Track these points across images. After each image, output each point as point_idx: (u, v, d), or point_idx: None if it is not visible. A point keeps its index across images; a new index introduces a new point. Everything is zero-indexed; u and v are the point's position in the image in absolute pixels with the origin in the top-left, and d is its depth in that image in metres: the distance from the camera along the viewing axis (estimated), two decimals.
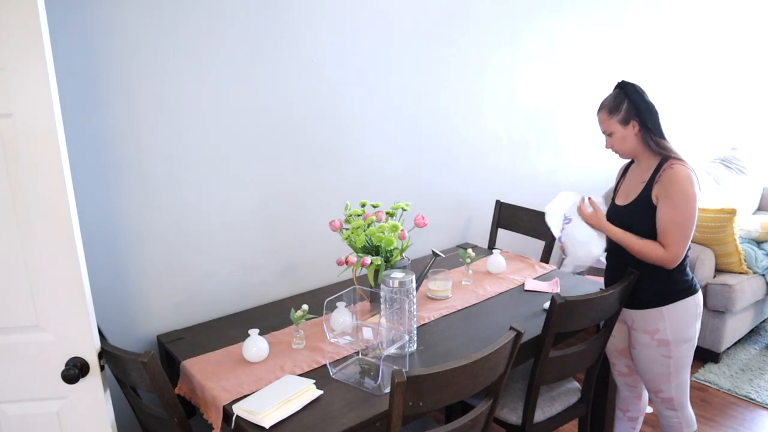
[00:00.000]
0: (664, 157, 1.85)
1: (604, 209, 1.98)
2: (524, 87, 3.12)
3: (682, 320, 1.89)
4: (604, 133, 1.93)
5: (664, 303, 1.89)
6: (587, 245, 1.96)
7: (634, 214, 1.89)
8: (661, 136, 1.88)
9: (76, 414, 1.47)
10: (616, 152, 1.94)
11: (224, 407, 1.55)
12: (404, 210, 2.13)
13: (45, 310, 1.39)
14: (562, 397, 2.09)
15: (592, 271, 3.39)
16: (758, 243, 3.36)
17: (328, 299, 1.95)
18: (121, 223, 1.90)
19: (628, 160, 2.07)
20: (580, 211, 1.96)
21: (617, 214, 1.96)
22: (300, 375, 1.69)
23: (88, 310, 1.41)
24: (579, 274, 2.76)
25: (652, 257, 1.83)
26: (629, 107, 1.85)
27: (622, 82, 1.89)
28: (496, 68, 2.96)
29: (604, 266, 3.22)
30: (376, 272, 1.99)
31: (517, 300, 2.22)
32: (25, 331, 1.40)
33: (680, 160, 1.84)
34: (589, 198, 1.99)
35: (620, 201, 1.99)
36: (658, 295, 1.89)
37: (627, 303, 1.96)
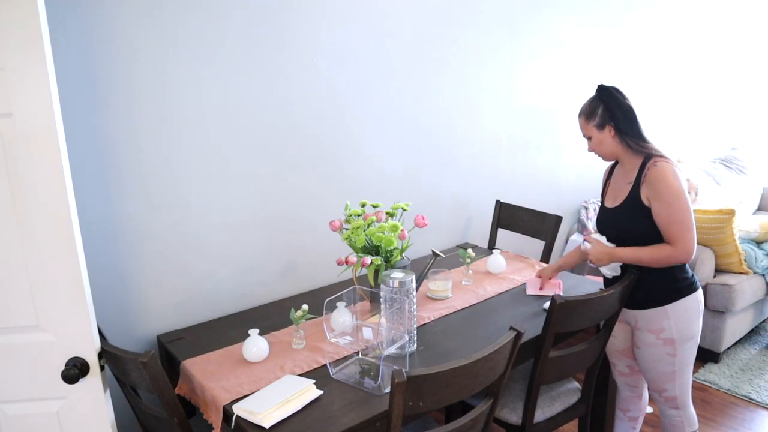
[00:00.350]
0: (647, 155, 1.87)
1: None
2: (524, 87, 3.13)
3: (686, 318, 1.90)
4: (584, 136, 1.97)
5: (667, 302, 1.89)
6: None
7: (624, 215, 1.91)
8: (638, 137, 1.89)
9: (76, 414, 1.47)
10: (598, 155, 1.98)
11: (224, 407, 1.55)
12: (404, 210, 2.13)
13: (45, 310, 1.39)
14: (562, 397, 2.09)
15: (592, 271, 3.39)
16: (758, 243, 3.36)
17: (328, 299, 1.95)
18: (121, 223, 1.90)
19: (611, 162, 2.09)
20: (589, 255, 1.97)
21: (607, 217, 1.99)
22: (300, 375, 1.69)
23: (88, 310, 1.41)
24: (579, 273, 2.75)
25: (665, 260, 1.84)
26: (603, 112, 1.89)
27: (599, 86, 1.92)
28: (496, 68, 2.96)
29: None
30: (376, 272, 1.99)
31: (517, 300, 2.22)
32: (25, 331, 1.40)
33: (662, 157, 1.85)
34: (585, 238, 2.04)
35: (609, 203, 2.00)
36: (661, 294, 1.90)
37: (630, 303, 1.95)
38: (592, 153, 1.98)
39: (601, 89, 1.91)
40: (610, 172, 2.08)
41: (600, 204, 2.08)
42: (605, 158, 1.97)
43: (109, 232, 1.88)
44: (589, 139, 1.95)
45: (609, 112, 1.88)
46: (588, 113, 1.92)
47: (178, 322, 2.08)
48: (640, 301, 1.93)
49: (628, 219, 1.90)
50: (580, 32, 3.35)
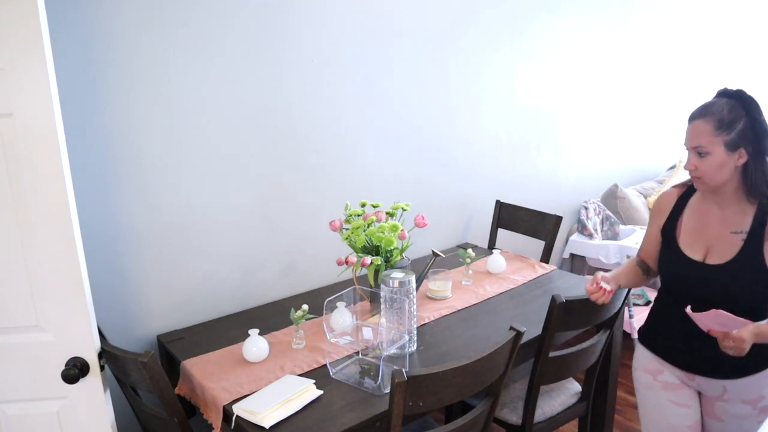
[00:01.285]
0: (764, 200, 1.45)
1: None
2: (524, 87, 3.13)
3: None
4: (694, 148, 1.45)
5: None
6: None
7: (741, 276, 1.46)
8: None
9: (76, 414, 1.47)
10: (698, 179, 1.48)
11: (224, 407, 1.55)
12: (404, 210, 2.13)
13: (45, 310, 1.39)
14: (562, 397, 2.09)
15: (592, 271, 3.39)
16: None
17: (328, 299, 1.95)
18: (121, 223, 1.90)
19: (677, 192, 1.65)
20: (744, 343, 1.36)
21: (709, 275, 1.50)
22: (300, 375, 1.69)
23: (88, 310, 1.41)
24: (579, 273, 2.75)
25: None
26: (745, 129, 1.40)
27: (740, 91, 1.44)
28: (496, 68, 2.96)
29: (604, 266, 3.21)
30: (376, 272, 1.99)
31: (517, 300, 2.22)
32: (25, 331, 1.40)
33: None
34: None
35: (697, 255, 1.53)
36: (762, 359, 1.52)
37: (719, 372, 1.57)
38: (691, 170, 1.48)
39: (744, 96, 1.43)
40: (679, 205, 1.61)
41: (674, 251, 1.58)
42: (705, 187, 1.49)
43: (109, 232, 1.88)
44: (701, 154, 1.43)
45: (754, 133, 1.40)
46: (724, 122, 1.41)
47: (178, 322, 2.08)
48: (736, 368, 1.53)
49: (745, 280, 1.46)
50: (580, 33, 3.35)
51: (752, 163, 1.41)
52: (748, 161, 1.41)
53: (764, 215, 1.45)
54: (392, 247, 1.96)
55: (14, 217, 1.33)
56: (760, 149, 1.39)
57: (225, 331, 2.00)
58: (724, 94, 1.48)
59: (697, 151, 1.44)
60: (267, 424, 1.44)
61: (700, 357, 1.57)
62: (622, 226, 3.37)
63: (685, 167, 1.50)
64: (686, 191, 1.63)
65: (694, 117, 1.47)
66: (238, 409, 1.50)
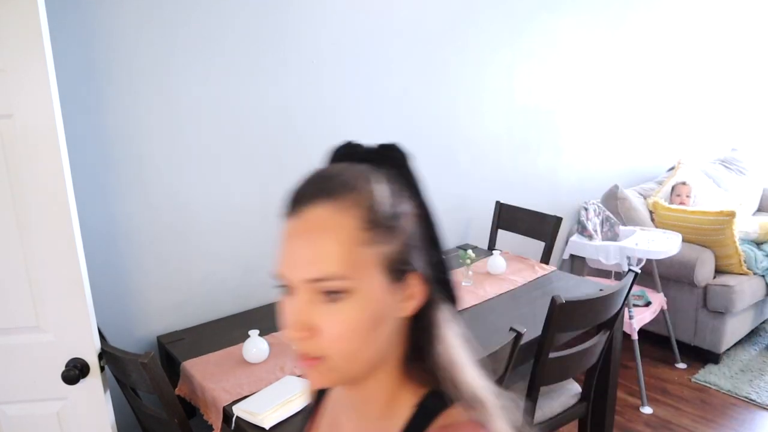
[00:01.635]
0: (435, 397, 0.68)
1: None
2: (524, 87, 3.12)
3: None
4: (311, 281, 0.62)
5: None
6: None
7: None
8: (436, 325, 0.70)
9: (77, 415, 1.47)
10: (316, 361, 0.63)
11: (224, 408, 1.55)
12: None
13: (45, 311, 1.39)
14: (562, 398, 2.09)
15: (592, 272, 3.39)
16: (758, 244, 3.36)
17: None
18: (122, 223, 1.90)
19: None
20: None
21: None
22: (300, 376, 1.68)
23: (88, 311, 1.41)
24: (579, 274, 2.75)
25: None
26: (415, 227, 0.73)
27: (393, 147, 0.79)
28: (496, 68, 2.96)
29: (604, 266, 3.22)
30: None
31: (517, 301, 2.22)
32: (26, 331, 1.40)
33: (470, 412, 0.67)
34: None
35: None
36: None
37: None
38: (302, 340, 0.62)
39: (404, 158, 0.77)
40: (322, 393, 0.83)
41: None
42: (335, 377, 0.65)
43: (109, 232, 1.88)
44: (331, 296, 0.62)
45: (429, 233, 0.76)
46: (380, 210, 0.68)
47: (178, 323, 2.07)
48: None
49: None
50: (580, 33, 3.35)
51: (432, 305, 0.68)
52: (430, 301, 0.68)
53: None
54: None
55: (14, 217, 1.33)
56: (439, 270, 0.71)
57: (225, 331, 2.00)
58: (351, 154, 0.77)
59: (318, 289, 0.62)
60: (267, 425, 1.44)
61: None
62: (622, 227, 3.37)
63: (290, 336, 0.63)
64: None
65: (301, 200, 0.66)
66: (239, 410, 1.50)
